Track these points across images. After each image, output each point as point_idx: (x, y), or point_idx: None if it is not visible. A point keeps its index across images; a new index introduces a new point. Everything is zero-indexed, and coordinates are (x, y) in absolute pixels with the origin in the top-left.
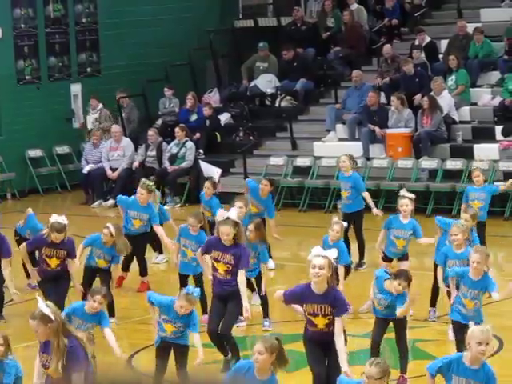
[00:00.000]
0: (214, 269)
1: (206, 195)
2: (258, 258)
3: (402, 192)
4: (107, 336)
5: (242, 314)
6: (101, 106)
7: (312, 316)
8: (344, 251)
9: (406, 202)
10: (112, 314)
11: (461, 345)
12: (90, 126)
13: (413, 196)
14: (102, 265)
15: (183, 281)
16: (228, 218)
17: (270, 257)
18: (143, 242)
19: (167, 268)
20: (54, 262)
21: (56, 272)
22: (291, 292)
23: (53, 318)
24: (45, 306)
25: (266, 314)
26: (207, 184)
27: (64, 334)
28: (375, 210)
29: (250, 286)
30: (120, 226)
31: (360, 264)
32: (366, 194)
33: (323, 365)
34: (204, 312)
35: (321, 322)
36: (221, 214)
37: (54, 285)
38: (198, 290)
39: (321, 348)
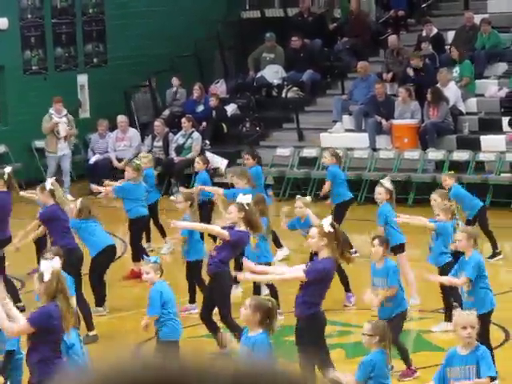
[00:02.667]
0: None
1: (196, 169)
2: (262, 238)
3: (382, 180)
4: None
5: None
6: (65, 111)
7: None
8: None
9: (378, 190)
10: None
11: None
12: (62, 133)
13: (389, 186)
14: None
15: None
16: (239, 202)
17: (281, 246)
18: (133, 226)
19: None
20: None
21: None
22: None
23: (45, 278)
24: (45, 265)
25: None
26: (197, 159)
27: (51, 296)
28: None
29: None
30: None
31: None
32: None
33: None
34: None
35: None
36: (239, 197)
37: None
38: (156, 257)
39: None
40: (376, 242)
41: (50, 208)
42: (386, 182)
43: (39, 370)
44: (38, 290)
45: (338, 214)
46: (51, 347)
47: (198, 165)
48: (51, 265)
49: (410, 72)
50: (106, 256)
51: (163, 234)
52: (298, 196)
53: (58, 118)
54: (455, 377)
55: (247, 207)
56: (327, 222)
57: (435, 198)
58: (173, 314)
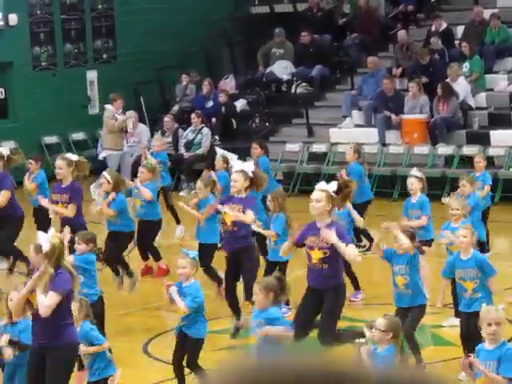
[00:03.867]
0: (224, 223)
1: (217, 167)
2: (282, 235)
3: (411, 171)
4: None
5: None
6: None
7: (310, 249)
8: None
9: (410, 181)
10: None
11: (463, 335)
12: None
13: (419, 175)
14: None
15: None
16: (241, 169)
17: None
18: (148, 228)
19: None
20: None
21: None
22: (299, 234)
23: (44, 249)
24: (42, 236)
25: (286, 301)
26: (219, 158)
27: (54, 265)
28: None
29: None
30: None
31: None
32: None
33: (307, 322)
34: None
35: (315, 256)
36: (237, 164)
37: None
38: (196, 252)
39: (316, 299)
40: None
41: (78, 185)
42: (415, 172)
43: (62, 334)
44: (36, 261)
45: (360, 213)
46: (68, 311)
47: (219, 164)
48: (48, 235)
49: (423, 79)
50: (131, 239)
51: (177, 218)
52: (410, 172)
53: (119, 115)
54: (479, 371)
55: (252, 175)
56: (332, 187)
57: (464, 183)
58: (204, 312)
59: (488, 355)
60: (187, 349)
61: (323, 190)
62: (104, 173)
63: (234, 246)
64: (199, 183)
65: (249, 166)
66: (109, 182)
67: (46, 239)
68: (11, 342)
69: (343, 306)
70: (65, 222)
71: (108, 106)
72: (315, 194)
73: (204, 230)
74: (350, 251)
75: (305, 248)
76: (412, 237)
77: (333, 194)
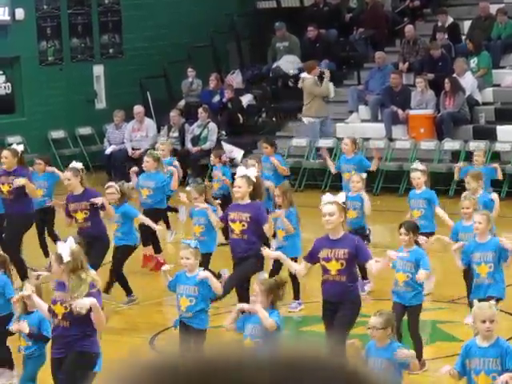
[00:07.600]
0: (232, 231)
1: (212, 163)
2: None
3: (414, 165)
4: None
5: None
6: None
7: (326, 261)
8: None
9: (417, 175)
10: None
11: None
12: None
13: (424, 168)
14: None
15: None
16: (245, 175)
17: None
18: (154, 218)
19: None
20: (79, 216)
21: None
22: (310, 250)
23: (65, 260)
24: (62, 247)
25: (295, 295)
26: (214, 153)
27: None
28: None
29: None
30: None
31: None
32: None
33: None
34: None
35: (333, 268)
36: (240, 170)
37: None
38: (196, 242)
39: (332, 312)
40: (402, 230)
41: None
42: (419, 165)
43: (85, 343)
44: (57, 271)
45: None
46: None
47: (216, 160)
48: (68, 245)
49: (429, 75)
50: (132, 250)
51: (167, 224)
52: (414, 166)
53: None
54: (475, 368)
55: (255, 180)
56: (342, 198)
57: (468, 180)
58: (209, 303)
59: (486, 353)
60: (193, 341)
61: (333, 202)
62: (110, 183)
63: (239, 252)
64: (194, 192)
65: (252, 172)
66: (117, 191)
67: (66, 248)
68: (30, 335)
69: (357, 317)
70: (84, 231)
71: (306, 75)
72: (327, 208)
73: (205, 239)
74: (370, 267)
75: (320, 262)
76: (414, 229)
77: (343, 205)
